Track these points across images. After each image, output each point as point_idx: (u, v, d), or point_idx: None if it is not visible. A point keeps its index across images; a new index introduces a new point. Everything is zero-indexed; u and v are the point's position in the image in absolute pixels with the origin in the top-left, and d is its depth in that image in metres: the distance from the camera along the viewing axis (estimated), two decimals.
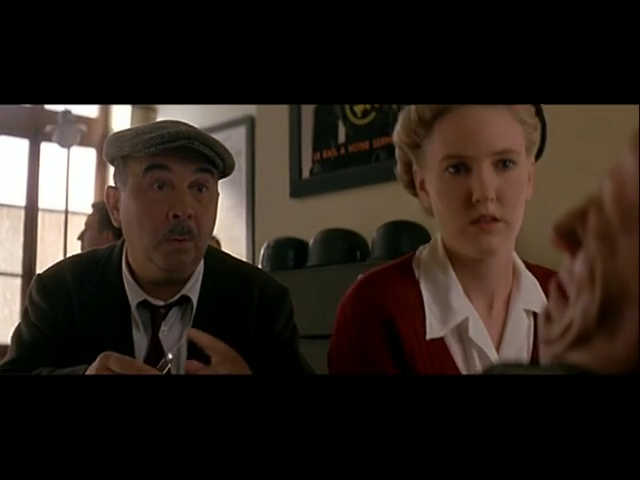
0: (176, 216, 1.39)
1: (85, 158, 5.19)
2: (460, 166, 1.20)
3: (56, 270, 1.53)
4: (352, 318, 1.27)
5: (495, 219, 1.20)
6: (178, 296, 1.48)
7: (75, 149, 4.78)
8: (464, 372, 1.23)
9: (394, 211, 3.37)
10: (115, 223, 1.50)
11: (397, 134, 1.29)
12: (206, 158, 1.41)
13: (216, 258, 1.56)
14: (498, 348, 1.26)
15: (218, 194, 1.50)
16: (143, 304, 1.48)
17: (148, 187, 1.40)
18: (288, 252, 3.62)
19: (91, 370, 1.25)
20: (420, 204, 1.32)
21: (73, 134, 4.61)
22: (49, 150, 4.95)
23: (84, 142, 4.88)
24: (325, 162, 3.98)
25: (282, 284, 1.56)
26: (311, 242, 3.62)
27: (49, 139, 4.68)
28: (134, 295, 1.48)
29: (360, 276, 1.33)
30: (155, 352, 1.45)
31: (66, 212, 4.63)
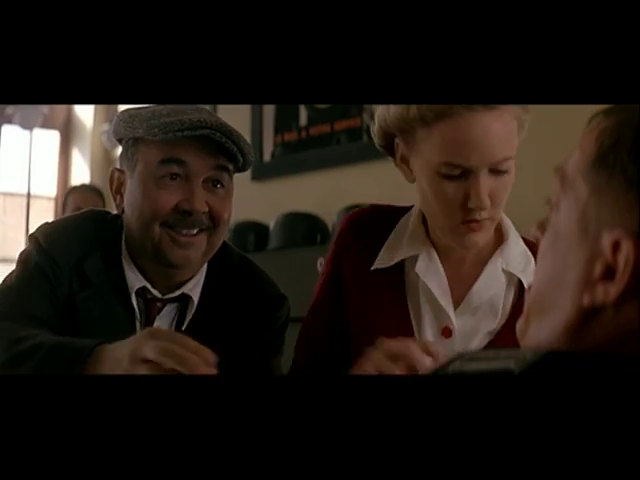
0: (185, 211, 1.30)
1: (48, 141, 5.14)
2: (458, 171, 1.20)
3: (59, 233, 1.39)
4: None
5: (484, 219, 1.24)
6: (178, 293, 1.38)
7: (37, 131, 4.75)
8: (409, 303, 1.32)
9: (355, 194, 3.41)
10: (117, 210, 1.39)
11: (386, 120, 1.26)
12: (227, 153, 1.31)
13: (221, 253, 1.42)
14: (463, 297, 1.30)
15: (233, 189, 1.39)
16: (142, 292, 1.37)
17: (159, 178, 1.30)
18: (249, 235, 3.64)
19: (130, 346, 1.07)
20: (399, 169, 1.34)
21: (35, 116, 4.55)
22: (11, 132, 4.91)
23: (47, 124, 4.85)
24: (286, 145, 4.00)
25: (282, 292, 1.48)
26: (272, 225, 3.64)
27: (10, 121, 4.63)
28: (134, 281, 1.37)
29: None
30: None
31: (28, 195, 4.62)
